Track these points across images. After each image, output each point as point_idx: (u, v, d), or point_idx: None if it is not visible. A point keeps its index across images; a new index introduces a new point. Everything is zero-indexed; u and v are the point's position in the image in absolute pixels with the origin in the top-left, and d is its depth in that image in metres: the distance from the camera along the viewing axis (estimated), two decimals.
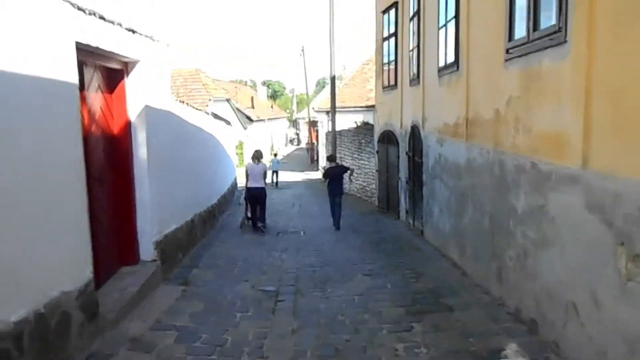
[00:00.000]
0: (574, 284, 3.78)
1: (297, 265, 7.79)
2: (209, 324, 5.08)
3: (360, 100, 26.27)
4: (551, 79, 4.15)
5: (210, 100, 26.08)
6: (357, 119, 23.56)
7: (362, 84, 27.50)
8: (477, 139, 6.18)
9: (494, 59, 5.49)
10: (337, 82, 22.46)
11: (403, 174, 11.84)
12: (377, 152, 14.20)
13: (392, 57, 12.41)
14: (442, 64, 7.92)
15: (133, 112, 6.16)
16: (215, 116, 12.97)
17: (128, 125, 6.14)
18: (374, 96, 14.65)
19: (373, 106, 26.03)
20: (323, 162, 24.12)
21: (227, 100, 30.08)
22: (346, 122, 20.64)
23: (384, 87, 13.45)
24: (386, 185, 13.46)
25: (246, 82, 63.67)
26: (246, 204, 11.65)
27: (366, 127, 17.02)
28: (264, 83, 68.30)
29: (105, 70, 5.75)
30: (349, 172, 12.06)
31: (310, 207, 15.57)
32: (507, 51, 5.06)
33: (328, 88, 34.16)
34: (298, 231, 11.37)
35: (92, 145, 5.39)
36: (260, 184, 11.03)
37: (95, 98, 5.57)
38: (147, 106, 6.25)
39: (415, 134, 10.35)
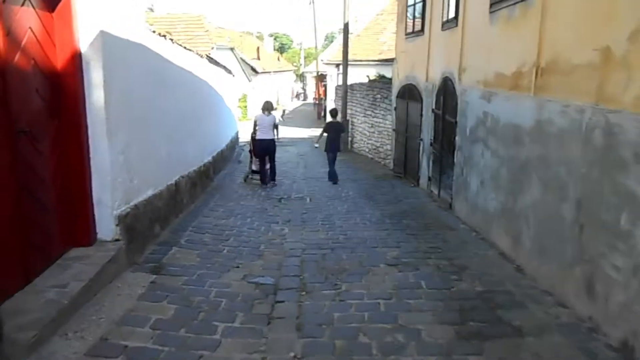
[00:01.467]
0: None
1: (302, 245, 6.18)
2: (176, 344, 3.50)
3: (374, 54, 24.14)
4: None
5: (212, 48, 24.06)
6: (370, 73, 21.58)
7: (375, 36, 25.25)
8: (558, 93, 4.41)
9: None
10: (349, 33, 20.28)
11: (427, 134, 10.09)
12: (396, 108, 12.39)
13: None
14: None
15: (85, 40, 4.40)
16: (212, 61, 11.10)
17: (77, 58, 4.39)
18: (395, 45, 12.70)
19: (387, 60, 24.02)
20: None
21: (231, 49, 27.99)
22: (357, 76, 18.65)
23: (407, 34, 11.49)
24: (404, 147, 11.71)
25: (252, 34, 60.70)
26: (251, 158, 11.06)
27: (382, 81, 15.11)
28: (271, 35, 65.19)
29: None
30: (343, 130, 11.86)
31: (317, 169, 13.86)
32: None
33: (337, 41, 31.86)
34: (303, 197, 9.74)
35: (14, 83, 3.68)
36: (270, 136, 10.39)
37: (22, 14, 3.80)
38: (103, 33, 4.48)
39: (447, 88, 8.53)
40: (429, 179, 9.83)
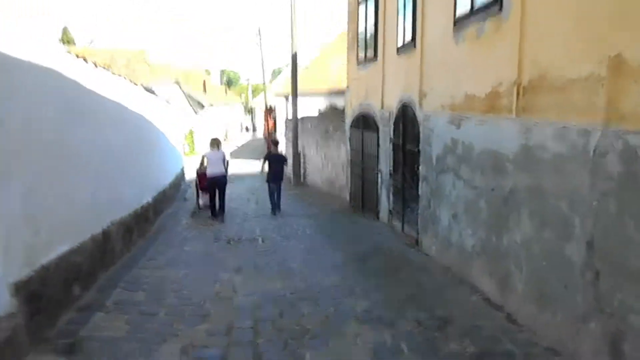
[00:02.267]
0: None
1: (256, 299, 5.20)
2: None
3: (323, 84, 23.72)
4: None
5: (156, 83, 22.94)
6: (320, 104, 21.08)
7: (324, 67, 24.91)
8: (549, 113, 3.76)
9: None
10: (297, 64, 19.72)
11: (385, 165, 9.42)
12: (350, 139, 11.73)
13: (372, 22, 9.90)
14: (464, 10, 5.46)
15: None
16: (149, 90, 10.08)
17: None
18: (346, 73, 12.15)
19: (337, 91, 23.71)
20: (284, 151, 21.47)
21: (176, 82, 26.89)
22: (308, 107, 18.03)
23: (359, 61, 10.94)
24: (361, 178, 11.01)
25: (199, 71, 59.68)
26: (197, 192, 11.41)
27: (334, 112, 14.51)
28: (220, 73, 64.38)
29: None
30: (285, 162, 11.71)
31: (270, 205, 12.93)
32: None
33: (286, 72, 31.41)
34: (255, 237, 8.76)
35: None
36: (220, 170, 10.26)
37: None
38: None
39: (406, 115, 7.92)
40: (390, 212, 9.11)
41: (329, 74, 24.46)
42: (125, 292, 5.33)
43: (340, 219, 10.43)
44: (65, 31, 37.80)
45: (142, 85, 8.72)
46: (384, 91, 9.48)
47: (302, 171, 16.63)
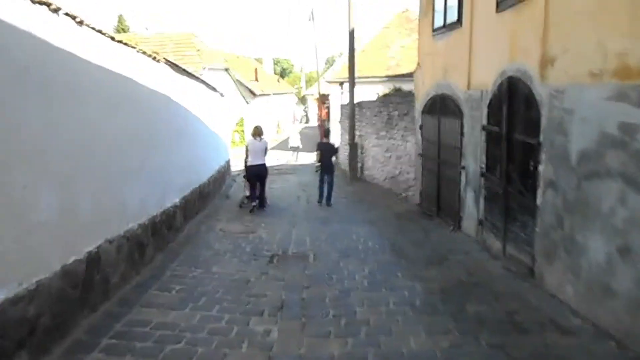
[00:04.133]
0: None
1: None
2: None
3: (381, 70, 21.36)
4: None
5: (204, 68, 21.31)
6: (378, 90, 18.76)
7: (382, 51, 22.52)
8: None
9: None
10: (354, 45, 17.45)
11: (473, 160, 7.13)
12: (421, 127, 9.44)
13: None
14: None
15: None
16: (185, 72, 8.14)
17: None
18: (418, 47, 9.82)
19: (396, 76, 21.22)
20: (338, 141, 19.34)
21: (226, 69, 25.22)
22: (364, 95, 15.73)
23: (435, 30, 8.61)
24: (436, 176, 8.72)
25: (251, 57, 58.37)
26: (245, 183, 10.38)
27: (399, 94, 12.21)
28: (273, 62, 62.76)
29: None
30: (337, 153, 11.53)
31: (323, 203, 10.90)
32: None
33: (339, 61, 29.13)
34: (305, 253, 6.76)
35: None
36: (261, 161, 9.68)
37: None
38: None
39: (514, 92, 5.59)
40: (480, 223, 6.82)
41: (387, 58, 22.06)
42: (105, 358, 3.44)
43: (410, 228, 8.21)
44: (120, 19, 37.22)
45: (165, 60, 6.83)
46: (472, 65, 7.16)
47: (359, 165, 14.46)
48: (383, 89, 18.44)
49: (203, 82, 10.56)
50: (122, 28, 35.17)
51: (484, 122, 6.66)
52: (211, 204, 10.27)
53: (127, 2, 70.11)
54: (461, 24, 7.50)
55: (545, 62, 4.80)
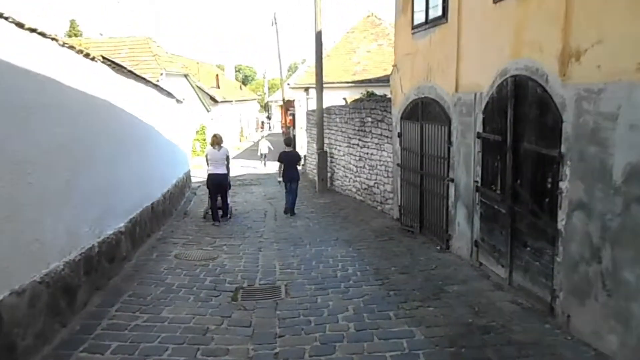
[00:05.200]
0: None
1: None
2: None
3: (346, 75, 20.52)
4: None
5: (162, 74, 19.88)
6: (344, 96, 17.85)
7: (347, 56, 21.69)
8: None
9: None
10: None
11: (464, 172, 6.22)
12: (400, 134, 8.50)
13: None
14: None
15: None
16: (132, 75, 6.88)
17: None
18: (394, 46, 8.87)
19: (363, 81, 20.37)
20: (304, 150, 18.25)
21: (185, 75, 23.81)
22: (329, 101, 14.65)
23: (415, 27, 7.70)
24: (419, 189, 7.78)
25: (212, 65, 56.60)
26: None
27: (373, 99, 11.26)
28: (235, 69, 61.09)
29: None
30: (300, 161, 11.51)
31: (292, 220, 9.81)
32: None
33: (303, 67, 28.09)
34: (275, 284, 5.68)
35: None
36: (221, 170, 9.24)
37: None
38: None
39: (523, 94, 4.69)
40: (475, 244, 5.90)
41: (353, 64, 21.24)
42: None
43: (392, 249, 7.21)
44: (72, 24, 35.07)
45: (108, 61, 5.62)
46: (461, 65, 6.28)
47: (329, 174, 13.45)
48: (350, 95, 17.54)
49: (156, 86, 9.31)
50: (74, 33, 33.08)
51: (479, 129, 5.75)
52: (167, 223, 9.03)
53: (82, 8, 67.14)
54: (447, 19, 6.61)
55: (568, 56, 3.90)
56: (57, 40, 4.32)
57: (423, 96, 7.47)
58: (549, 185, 4.22)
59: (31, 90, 3.86)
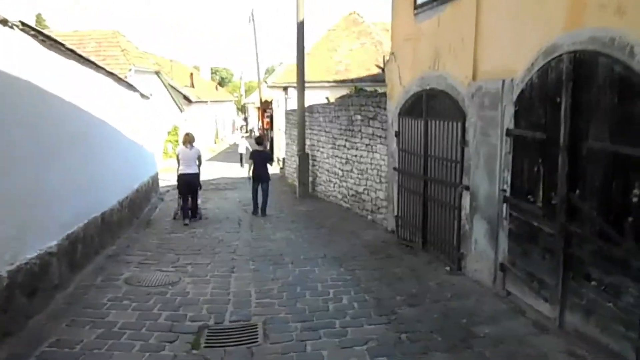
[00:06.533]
0: None
1: None
2: None
3: (328, 75, 19.26)
4: None
5: (130, 70, 18.23)
6: (325, 96, 16.56)
7: (328, 54, 20.42)
8: None
9: None
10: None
11: (485, 178, 4.98)
12: (398, 133, 7.23)
13: None
14: None
15: None
16: (88, 63, 5.42)
17: None
18: (392, 30, 7.57)
19: (344, 81, 19.13)
20: (283, 152, 16.84)
21: (157, 72, 22.15)
22: (310, 101, 13.29)
23: (418, 6, 6.46)
24: (421, 197, 6.52)
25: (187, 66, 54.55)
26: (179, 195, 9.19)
27: (363, 95, 9.98)
28: (211, 71, 59.12)
29: None
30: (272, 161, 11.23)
31: (271, 232, 8.43)
32: None
33: (281, 68, 26.74)
34: (249, 322, 4.34)
35: None
36: (193, 170, 8.91)
37: None
38: None
39: (591, 77, 3.46)
40: (502, 268, 4.66)
41: (335, 62, 19.97)
42: None
43: (392, 269, 5.91)
44: (38, 18, 32.95)
45: (62, 46, 4.23)
46: (481, 47, 5.06)
47: (310, 178, 12.12)
48: (332, 95, 16.26)
49: (111, 74, 7.82)
50: (40, 27, 31.01)
51: (509, 125, 4.52)
52: (124, 235, 7.57)
53: (50, 3, 64.23)
54: None
55: None
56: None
57: (428, 88, 6.21)
58: (635, 199, 2.99)
59: None
